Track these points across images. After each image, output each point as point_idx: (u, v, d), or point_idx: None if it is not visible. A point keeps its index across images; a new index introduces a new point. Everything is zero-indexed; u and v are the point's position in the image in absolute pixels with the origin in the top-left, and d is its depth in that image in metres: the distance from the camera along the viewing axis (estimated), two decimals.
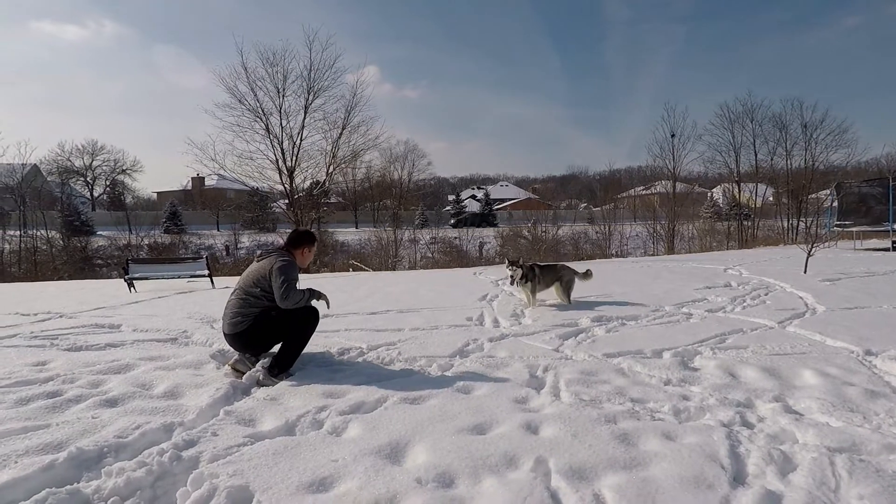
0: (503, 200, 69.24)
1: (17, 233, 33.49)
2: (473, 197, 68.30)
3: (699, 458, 2.28)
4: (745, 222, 32.56)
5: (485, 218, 55.79)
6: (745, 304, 6.36)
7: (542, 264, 6.46)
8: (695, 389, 3.32)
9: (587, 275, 6.79)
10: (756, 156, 32.66)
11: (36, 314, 6.75)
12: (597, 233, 36.64)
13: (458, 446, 2.43)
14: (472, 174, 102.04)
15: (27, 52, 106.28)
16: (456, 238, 37.78)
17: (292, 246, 4.03)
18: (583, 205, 67.12)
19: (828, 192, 23.78)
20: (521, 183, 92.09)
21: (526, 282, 6.15)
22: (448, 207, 60.80)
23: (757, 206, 33.68)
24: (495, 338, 4.76)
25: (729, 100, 51.16)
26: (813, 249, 10.34)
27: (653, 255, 30.50)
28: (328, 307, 4.12)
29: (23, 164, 38.76)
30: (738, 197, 34.97)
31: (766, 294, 7.01)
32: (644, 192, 43.81)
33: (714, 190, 45.01)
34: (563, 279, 6.43)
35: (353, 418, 2.83)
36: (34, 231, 33.83)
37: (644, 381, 3.47)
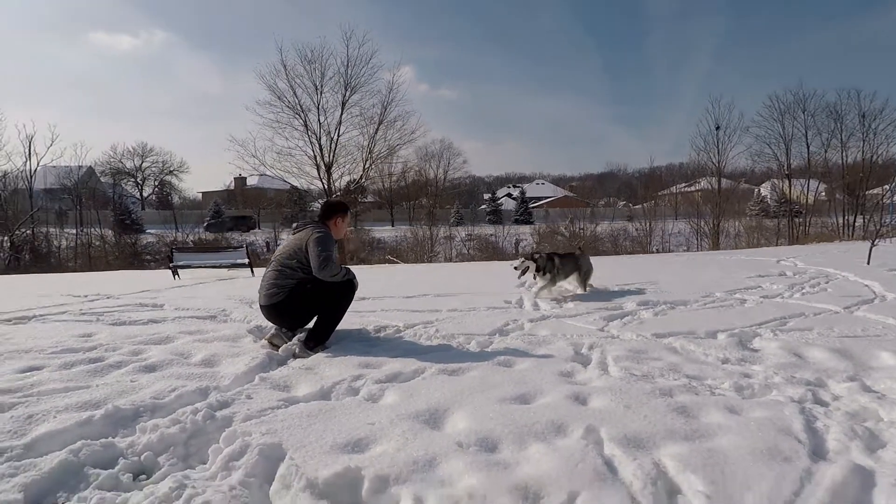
0: (540, 199, 68.35)
1: (74, 230, 35.26)
2: (509, 195, 67.76)
3: (771, 431, 2.05)
4: (795, 219, 30.99)
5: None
6: (804, 291, 5.93)
7: (561, 253, 6.01)
8: (756, 368, 3.05)
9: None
10: (808, 148, 31.02)
11: (86, 295, 6.98)
12: (637, 230, 35.63)
13: (501, 414, 2.27)
14: (507, 173, 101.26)
15: (84, 61, 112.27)
16: (492, 235, 37.48)
17: (325, 217, 3.97)
18: (622, 202, 65.63)
19: (889, 186, 22.35)
20: (558, 181, 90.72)
21: (545, 273, 5.67)
22: (484, 206, 60.48)
23: (809, 201, 32.00)
24: (536, 318, 4.57)
25: (778, 90, 48.68)
26: (877, 240, 9.65)
27: (697, 250, 29.44)
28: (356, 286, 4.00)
29: (79, 166, 40.85)
30: (787, 192, 33.32)
31: (827, 282, 6.53)
32: (686, 188, 42.37)
33: (762, 186, 43.08)
34: (583, 269, 6.07)
35: (390, 386, 2.71)
36: (89, 229, 35.58)
37: (699, 359, 3.23)
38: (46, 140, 37.93)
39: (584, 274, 6.05)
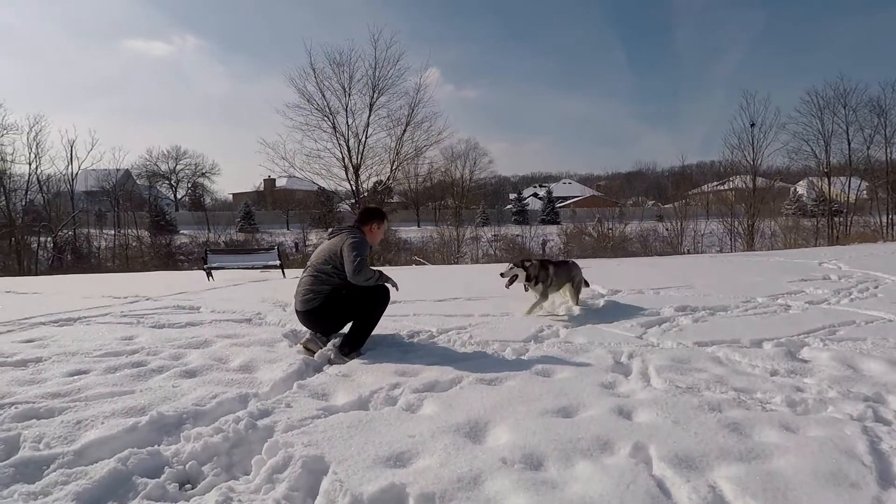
0: (566, 198, 67.58)
1: (112, 231, 36.51)
2: (536, 195, 67.20)
3: (833, 453, 1.94)
4: (835, 218, 29.85)
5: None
6: (851, 296, 5.67)
7: (555, 261, 5.31)
8: (808, 381, 2.91)
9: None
10: (849, 145, 29.79)
11: (126, 297, 7.18)
12: (667, 230, 34.88)
13: (544, 428, 2.22)
14: (533, 172, 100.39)
15: (120, 67, 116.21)
16: (519, 235, 37.28)
17: (361, 223, 3.98)
18: (651, 201, 64.38)
19: None
20: (585, 181, 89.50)
21: (536, 283, 4.93)
22: (509, 206, 60.14)
23: (850, 200, 30.75)
24: (571, 324, 4.48)
25: (817, 85, 46.80)
26: None
27: (730, 251, 28.66)
28: (397, 289, 4.01)
29: (117, 169, 42.31)
30: (826, 191, 32.10)
31: (876, 287, 6.23)
32: (719, 187, 41.28)
33: (798, 184, 41.62)
34: (576, 279, 5.39)
35: (428, 396, 2.69)
36: (126, 230, 36.79)
37: (746, 371, 3.10)
38: (87, 144, 39.58)
39: (577, 285, 5.38)
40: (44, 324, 4.99)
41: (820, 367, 3.14)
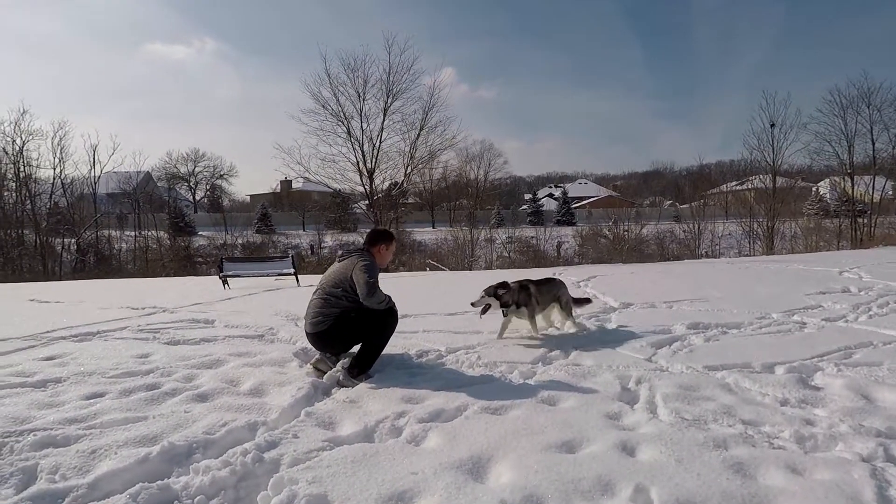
0: (582, 199, 67.12)
1: (133, 233, 37.22)
2: (551, 195, 66.87)
3: (838, 500, 1.92)
4: (858, 219, 29.15)
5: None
6: (870, 312, 5.55)
7: (536, 280, 4.87)
8: (819, 413, 2.87)
9: (584, 302, 5.51)
10: (874, 144, 29.08)
11: (143, 308, 7.34)
12: (684, 231, 34.43)
13: (546, 466, 2.22)
14: (549, 172, 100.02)
15: (141, 71, 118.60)
16: (533, 237, 37.12)
17: (370, 244, 4.03)
18: (668, 202, 63.61)
19: None
20: (601, 180, 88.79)
21: (518, 307, 4.59)
22: (524, 206, 59.93)
23: (874, 200, 30.00)
24: (580, 344, 4.47)
25: (840, 83, 45.74)
26: None
27: (749, 255, 28.18)
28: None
29: (137, 172, 43.14)
30: (850, 191, 31.35)
31: None
32: (738, 187, 40.59)
33: (820, 184, 40.72)
34: (563, 298, 4.96)
35: (433, 427, 2.71)
36: (146, 232, 37.48)
37: (755, 400, 3.06)
38: (109, 148, 40.33)
39: (566, 304, 4.98)
40: (64, 338, 5.14)
41: (832, 397, 3.09)
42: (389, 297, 3.80)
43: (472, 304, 4.55)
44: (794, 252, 24.73)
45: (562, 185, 74.85)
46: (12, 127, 31.82)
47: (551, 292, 4.92)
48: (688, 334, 4.72)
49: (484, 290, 4.51)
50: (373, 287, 3.66)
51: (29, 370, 3.91)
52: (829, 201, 38.13)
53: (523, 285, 4.67)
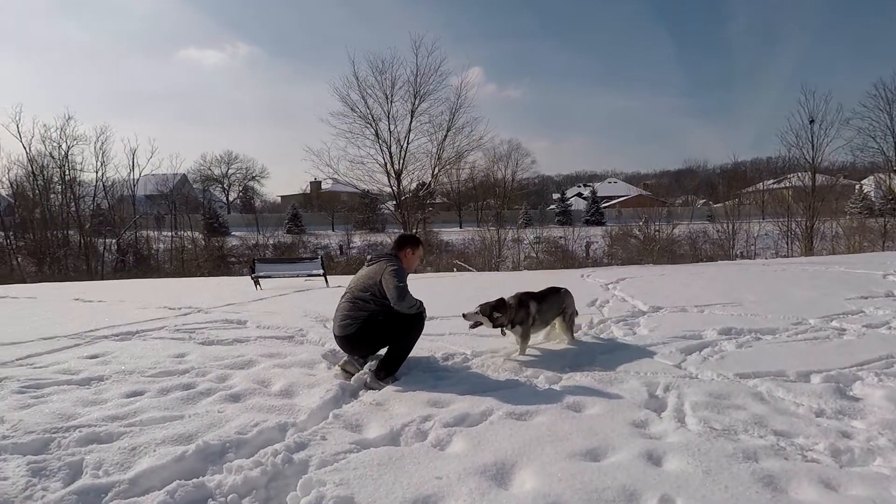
0: (612, 198, 66.07)
1: (170, 234, 38.48)
2: (580, 195, 66.04)
3: None
4: None
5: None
6: None
7: (537, 293, 4.45)
8: (857, 425, 2.78)
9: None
10: None
11: (179, 308, 7.60)
12: (718, 231, 33.49)
13: (570, 474, 2.22)
14: (577, 171, 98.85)
15: (176, 76, 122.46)
16: (561, 237, 36.76)
17: (397, 249, 4.10)
18: (701, 201, 62.04)
19: None
20: (632, 179, 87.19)
21: (513, 326, 4.22)
22: (552, 206, 59.38)
23: None
24: (607, 349, 4.43)
25: (885, 76, 43.67)
26: None
27: (786, 256, 27.26)
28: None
29: (174, 174, 44.59)
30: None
31: None
32: (775, 185, 39.28)
33: (864, 182, 39.04)
34: (568, 311, 4.60)
35: (458, 431, 2.74)
36: (182, 232, 38.68)
37: (789, 410, 2.99)
38: (147, 152, 41.88)
39: (570, 317, 4.64)
40: (106, 337, 5.37)
41: (872, 408, 2.98)
42: (420, 301, 3.85)
43: (464, 316, 4.20)
44: (835, 253, 23.78)
45: (591, 184, 73.83)
46: (58, 133, 33.42)
47: (556, 306, 4.53)
48: (719, 340, 4.62)
49: (479, 306, 4.15)
50: (403, 291, 3.73)
51: (74, 368, 4.11)
52: (873, 199, 36.53)
53: (522, 301, 4.26)
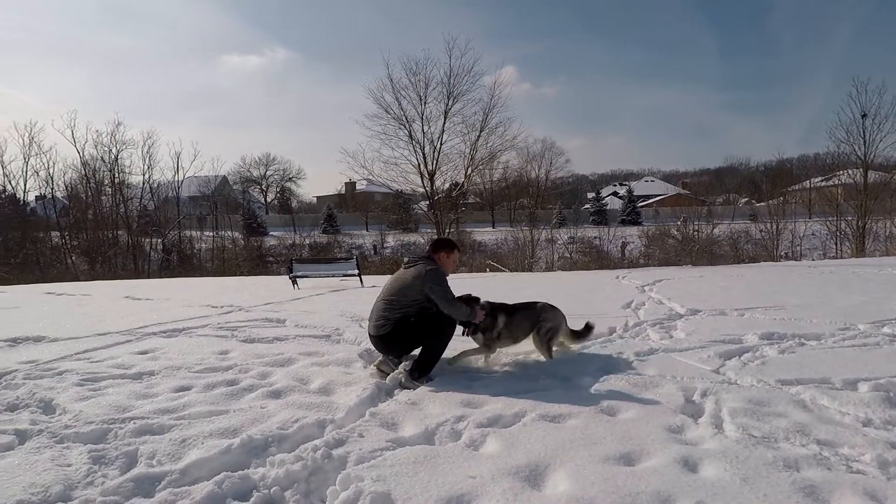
0: (649, 197, 64.60)
1: (211, 234, 39.82)
2: (615, 194, 64.82)
3: None
4: None
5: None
6: None
7: (509, 305, 4.27)
8: None
9: (585, 332, 4.54)
10: None
11: (221, 307, 7.90)
12: (761, 231, 32.27)
13: (604, 477, 2.23)
14: (613, 170, 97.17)
15: (219, 80, 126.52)
16: (596, 238, 36.19)
17: (432, 251, 4.17)
18: (743, 200, 59.96)
19: None
20: (669, 177, 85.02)
21: (475, 332, 4.12)
22: (587, 206, 58.50)
23: None
24: (643, 352, 4.38)
25: None
26: None
27: (835, 257, 26.06)
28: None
29: (215, 176, 46.13)
30: None
31: None
32: (823, 183, 37.55)
33: None
34: (543, 328, 4.21)
35: (491, 432, 2.77)
36: (223, 232, 39.96)
37: (834, 419, 2.90)
38: (190, 155, 43.41)
39: (547, 334, 4.22)
40: (154, 334, 5.64)
41: None
42: (472, 309, 3.91)
43: None
44: (889, 255, 22.56)
45: (627, 182, 72.40)
46: (109, 137, 35.11)
47: (527, 322, 4.22)
48: (760, 345, 4.50)
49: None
50: (452, 300, 3.85)
51: (127, 363, 4.35)
52: None
53: (492, 310, 4.13)
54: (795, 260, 25.03)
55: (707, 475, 2.26)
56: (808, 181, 42.02)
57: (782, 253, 29.24)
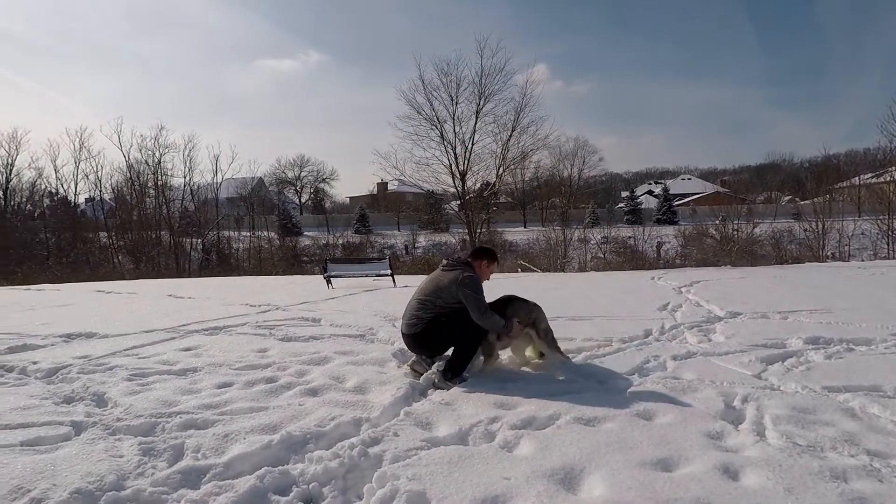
0: (685, 195, 62.87)
1: (248, 234, 40.94)
2: (650, 193, 63.37)
3: None
4: None
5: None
6: None
7: (496, 302, 4.04)
8: None
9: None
10: None
11: (259, 306, 8.13)
12: (805, 231, 30.95)
13: (640, 483, 2.21)
14: (648, 168, 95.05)
15: (255, 84, 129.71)
16: (630, 237, 35.45)
17: (473, 257, 4.18)
18: (786, 198, 57.69)
19: None
20: (707, 175, 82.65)
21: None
22: (621, 205, 57.40)
23: None
24: (680, 355, 4.29)
25: None
26: None
27: (887, 258, 24.80)
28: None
29: (252, 178, 47.41)
30: None
31: None
32: (874, 179, 35.75)
33: None
34: (540, 326, 4.04)
35: (525, 434, 2.78)
36: (259, 232, 41.04)
37: (885, 429, 2.78)
38: (228, 157, 44.87)
39: (545, 332, 4.06)
40: (197, 331, 5.85)
41: None
42: (506, 322, 3.87)
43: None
44: None
45: (662, 181, 70.62)
46: (152, 142, 36.63)
47: (525, 317, 4.01)
48: (805, 350, 4.34)
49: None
50: (486, 311, 3.81)
51: (172, 359, 4.53)
52: None
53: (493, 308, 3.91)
54: (843, 261, 23.94)
55: (749, 483, 2.21)
56: (856, 178, 40.09)
57: (828, 253, 27.98)
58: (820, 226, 29.42)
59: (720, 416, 2.99)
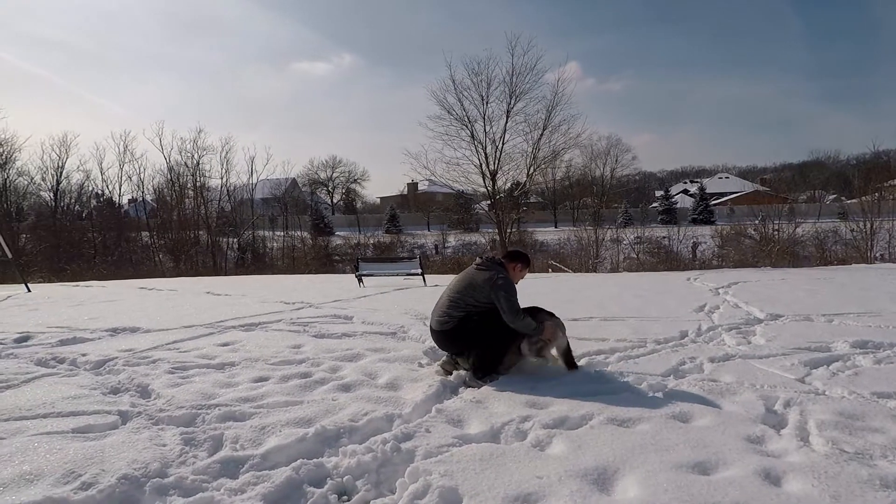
0: (722, 194, 61.04)
1: (282, 234, 41.89)
2: (685, 192, 61.83)
3: None
4: None
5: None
6: None
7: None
8: None
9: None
10: None
11: (294, 303, 8.30)
12: (852, 231, 29.60)
13: (677, 485, 2.16)
14: (683, 166, 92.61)
15: (289, 87, 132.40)
16: (664, 237, 34.65)
17: (507, 260, 4.17)
18: (831, 196, 55.39)
19: None
20: (746, 174, 79.98)
21: None
22: (655, 204, 56.17)
23: None
24: (718, 358, 4.17)
25: None
26: None
27: None
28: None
29: (286, 179, 48.47)
30: None
31: None
32: None
33: None
34: (561, 342, 3.97)
35: (557, 433, 2.75)
36: (292, 232, 41.93)
37: None
38: (263, 159, 46.04)
39: (537, 342, 3.97)
40: (234, 328, 6.02)
41: None
42: (538, 324, 3.85)
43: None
44: None
45: (698, 179, 68.80)
46: (192, 144, 37.89)
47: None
48: (852, 353, 4.16)
49: None
50: (519, 313, 3.79)
51: (211, 354, 4.68)
52: None
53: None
54: (893, 262, 22.80)
55: (792, 490, 2.13)
56: None
57: (877, 254, 26.68)
58: (868, 226, 28.05)
59: (761, 419, 2.90)
